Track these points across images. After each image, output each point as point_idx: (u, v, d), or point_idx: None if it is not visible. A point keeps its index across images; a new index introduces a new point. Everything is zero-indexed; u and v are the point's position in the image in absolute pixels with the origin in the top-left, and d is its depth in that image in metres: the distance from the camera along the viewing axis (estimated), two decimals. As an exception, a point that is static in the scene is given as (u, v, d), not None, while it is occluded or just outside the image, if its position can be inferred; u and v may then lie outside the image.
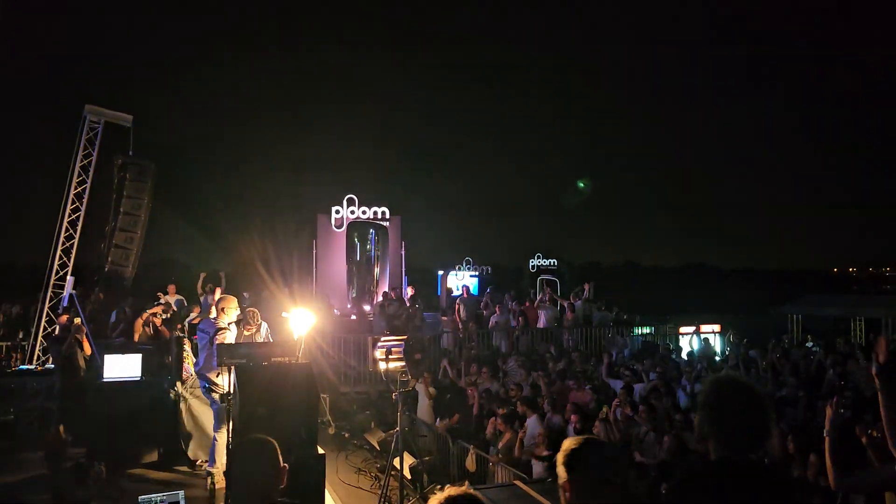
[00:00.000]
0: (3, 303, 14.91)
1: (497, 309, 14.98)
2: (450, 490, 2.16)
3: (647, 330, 16.49)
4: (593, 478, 2.26)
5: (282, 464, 2.75)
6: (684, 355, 14.44)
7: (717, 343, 15.80)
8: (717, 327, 16.69)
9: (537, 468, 7.41)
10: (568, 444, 2.36)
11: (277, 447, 2.77)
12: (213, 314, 8.00)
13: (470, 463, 8.77)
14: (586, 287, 15.73)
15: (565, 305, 15.51)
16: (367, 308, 16.15)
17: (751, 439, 2.31)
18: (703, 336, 15.86)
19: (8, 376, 10.87)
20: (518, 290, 16.71)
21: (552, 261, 20.29)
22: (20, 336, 13.57)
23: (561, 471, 2.31)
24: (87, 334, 10.90)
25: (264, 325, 8.44)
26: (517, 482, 6.06)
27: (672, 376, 10.64)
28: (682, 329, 16.48)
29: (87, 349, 10.38)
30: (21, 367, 11.58)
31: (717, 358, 14.34)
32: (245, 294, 13.46)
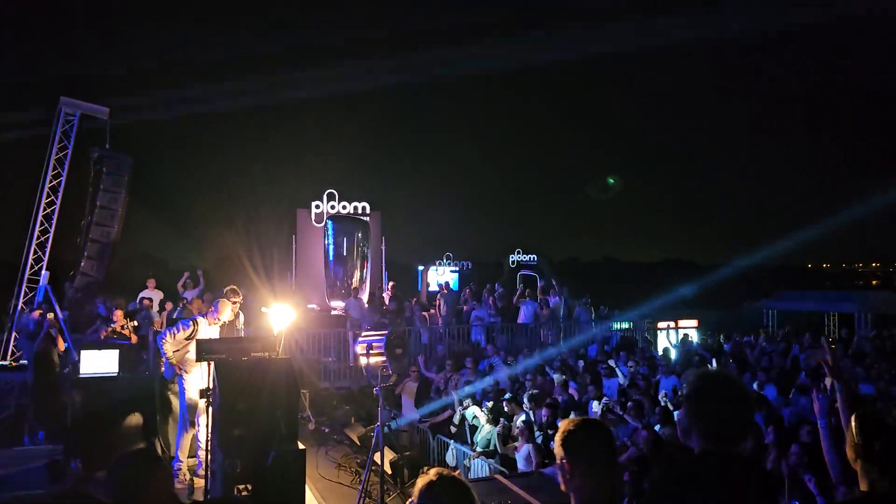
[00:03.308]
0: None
1: (478, 304, 15.05)
2: (438, 470, 2.18)
3: (625, 325, 16.62)
4: (590, 457, 2.29)
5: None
6: (660, 350, 14.59)
7: (695, 338, 15.96)
8: (694, 322, 16.87)
9: (520, 463, 7.46)
10: (565, 424, 2.39)
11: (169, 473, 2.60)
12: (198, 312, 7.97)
13: (450, 457, 8.83)
14: (556, 287, 15.78)
15: (541, 302, 15.57)
16: (344, 303, 16.10)
17: (734, 433, 2.35)
18: (681, 332, 16.03)
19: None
20: (499, 285, 16.74)
21: (532, 256, 20.37)
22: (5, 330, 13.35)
23: (558, 450, 2.34)
24: (61, 330, 10.77)
25: (241, 316, 8.45)
26: (497, 476, 6.10)
27: (649, 371, 10.76)
28: (660, 324, 16.64)
29: (61, 345, 10.25)
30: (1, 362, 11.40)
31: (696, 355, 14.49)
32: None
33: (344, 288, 16.20)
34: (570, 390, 9.65)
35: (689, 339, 15.41)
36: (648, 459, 6.40)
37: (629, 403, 8.14)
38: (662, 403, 8.27)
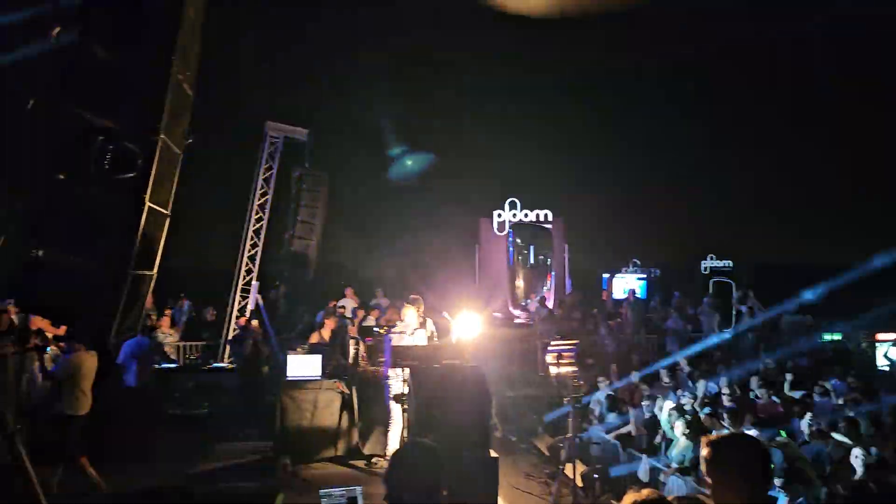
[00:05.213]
0: (199, 306, 16.35)
1: (671, 313, 14.33)
2: (645, 492, 2.24)
3: (836, 336, 14.96)
4: (734, 473, 2.25)
5: (442, 488, 2.59)
6: (881, 365, 12.98)
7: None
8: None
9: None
10: (714, 437, 2.38)
11: (440, 463, 2.63)
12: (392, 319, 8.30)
13: (642, 472, 8.41)
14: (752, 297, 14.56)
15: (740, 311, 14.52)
16: (529, 311, 16.04)
17: None
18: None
19: (204, 373, 11.82)
20: (689, 293, 15.86)
21: (727, 262, 19.08)
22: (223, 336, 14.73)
23: (703, 462, 2.34)
24: (267, 336, 11.73)
25: (430, 322, 8.65)
26: (701, 496, 5.69)
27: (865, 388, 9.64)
28: (880, 336, 14.76)
29: (265, 350, 11.16)
30: (215, 364, 12.58)
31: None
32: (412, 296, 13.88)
33: (527, 296, 16.16)
34: (775, 406, 8.87)
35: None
36: (864, 483, 5.78)
37: (840, 423, 7.34)
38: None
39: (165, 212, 5.91)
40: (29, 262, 5.09)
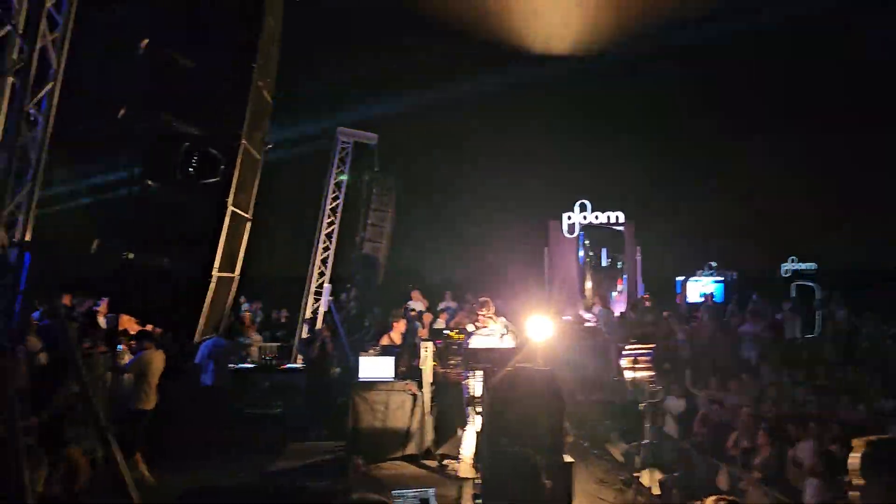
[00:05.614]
0: (274, 308, 16.80)
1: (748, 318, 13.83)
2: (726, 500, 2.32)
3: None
4: (885, 479, 2.18)
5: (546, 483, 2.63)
6: None
7: None
8: None
9: (810, 491, 6.66)
10: (864, 440, 2.30)
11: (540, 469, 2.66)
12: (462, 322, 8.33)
13: (722, 481, 8.17)
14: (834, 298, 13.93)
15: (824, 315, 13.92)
16: (597, 315, 15.80)
17: None
18: None
19: (279, 374, 12.10)
20: (768, 296, 15.29)
21: (811, 265, 18.33)
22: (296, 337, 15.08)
23: (853, 469, 2.26)
24: (337, 337, 11.93)
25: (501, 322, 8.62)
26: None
27: None
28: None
29: (333, 351, 11.39)
30: (289, 365, 12.86)
31: None
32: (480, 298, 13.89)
33: (597, 299, 15.91)
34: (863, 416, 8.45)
35: None
36: None
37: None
38: None
39: (247, 216, 6.08)
40: (120, 264, 5.34)
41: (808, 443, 7.47)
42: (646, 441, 6.05)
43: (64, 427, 6.48)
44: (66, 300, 11.54)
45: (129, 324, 9.37)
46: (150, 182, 5.38)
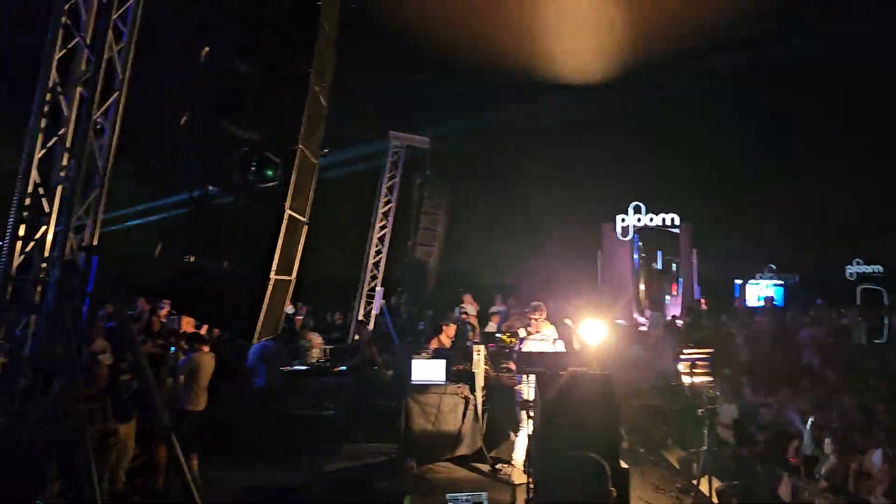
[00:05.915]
0: (328, 312, 17.01)
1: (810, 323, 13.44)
2: None
3: None
4: None
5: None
6: None
7: None
8: None
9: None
10: None
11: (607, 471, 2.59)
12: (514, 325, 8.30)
13: (784, 491, 7.92)
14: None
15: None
16: (651, 319, 15.55)
17: None
18: None
19: (331, 376, 12.22)
20: (831, 300, 14.82)
21: (876, 267, 17.63)
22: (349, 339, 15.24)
23: None
24: (389, 340, 12.02)
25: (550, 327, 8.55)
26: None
27: None
28: None
29: (379, 355, 11.48)
30: (342, 367, 12.98)
31: None
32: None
33: (648, 302, 15.67)
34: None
35: None
36: None
37: None
38: None
39: (304, 219, 6.19)
40: (182, 267, 5.51)
41: (877, 451, 7.19)
42: (704, 448, 5.90)
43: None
44: (143, 303, 11.97)
45: (188, 326, 9.61)
46: (210, 187, 5.52)
